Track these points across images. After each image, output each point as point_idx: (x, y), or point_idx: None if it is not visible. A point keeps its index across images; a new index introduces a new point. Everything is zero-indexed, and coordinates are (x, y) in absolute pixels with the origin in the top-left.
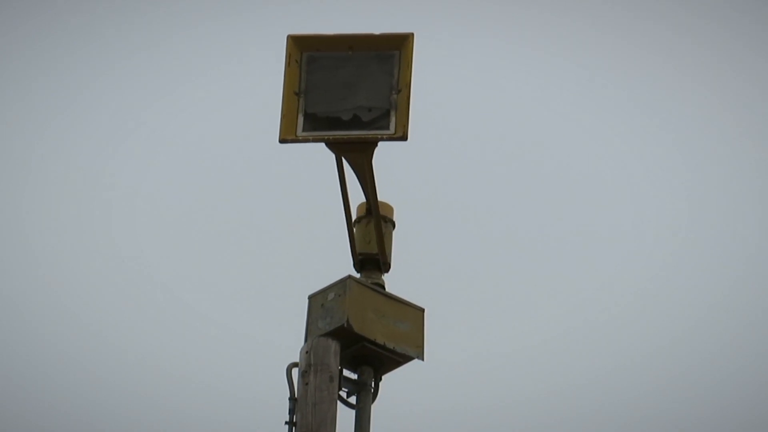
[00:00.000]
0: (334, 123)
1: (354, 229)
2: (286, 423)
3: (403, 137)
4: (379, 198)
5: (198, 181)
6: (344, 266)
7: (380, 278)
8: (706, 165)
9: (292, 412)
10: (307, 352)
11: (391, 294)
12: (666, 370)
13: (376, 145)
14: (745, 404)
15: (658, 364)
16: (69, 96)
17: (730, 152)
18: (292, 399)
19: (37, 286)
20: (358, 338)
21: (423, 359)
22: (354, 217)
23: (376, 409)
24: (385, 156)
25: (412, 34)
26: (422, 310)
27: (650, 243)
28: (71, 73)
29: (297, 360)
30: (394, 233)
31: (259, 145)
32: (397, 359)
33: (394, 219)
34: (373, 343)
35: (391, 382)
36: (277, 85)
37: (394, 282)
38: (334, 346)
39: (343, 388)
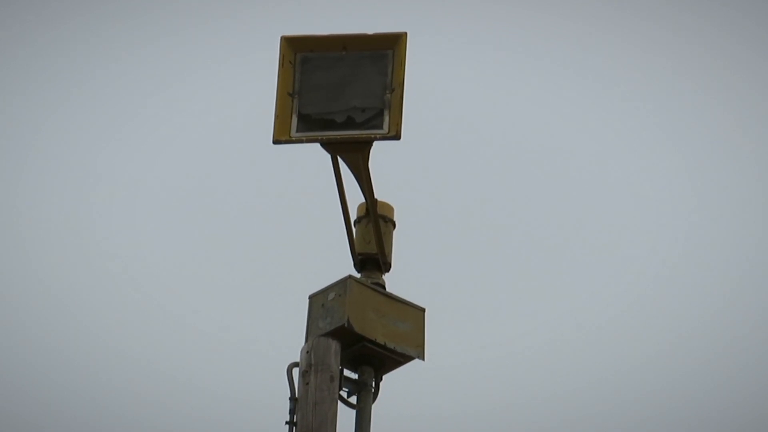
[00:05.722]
0: (328, 123)
1: (354, 229)
2: (286, 423)
3: (396, 136)
4: (380, 198)
5: (196, 183)
6: (345, 266)
7: (380, 278)
8: (707, 167)
9: (292, 411)
10: (307, 352)
11: (391, 294)
12: (668, 373)
13: (371, 144)
14: (746, 406)
15: (659, 366)
16: (64, 94)
17: (732, 154)
18: (293, 399)
19: (38, 287)
20: (359, 338)
21: (423, 359)
22: (355, 216)
23: (377, 409)
24: (385, 156)
25: (405, 34)
26: (423, 310)
27: (651, 245)
28: (66, 71)
29: (297, 360)
30: (395, 233)
31: (256, 146)
32: (397, 359)
33: (395, 219)
34: (374, 343)
35: (391, 382)
36: (270, 87)
37: (394, 282)
38: (334, 346)
39: (343, 388)
